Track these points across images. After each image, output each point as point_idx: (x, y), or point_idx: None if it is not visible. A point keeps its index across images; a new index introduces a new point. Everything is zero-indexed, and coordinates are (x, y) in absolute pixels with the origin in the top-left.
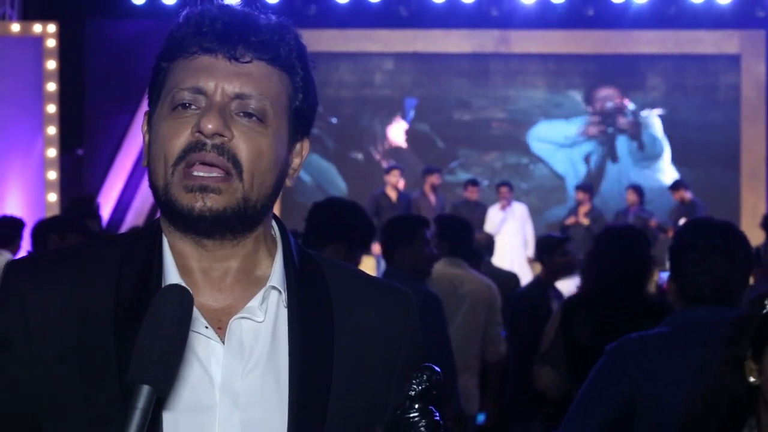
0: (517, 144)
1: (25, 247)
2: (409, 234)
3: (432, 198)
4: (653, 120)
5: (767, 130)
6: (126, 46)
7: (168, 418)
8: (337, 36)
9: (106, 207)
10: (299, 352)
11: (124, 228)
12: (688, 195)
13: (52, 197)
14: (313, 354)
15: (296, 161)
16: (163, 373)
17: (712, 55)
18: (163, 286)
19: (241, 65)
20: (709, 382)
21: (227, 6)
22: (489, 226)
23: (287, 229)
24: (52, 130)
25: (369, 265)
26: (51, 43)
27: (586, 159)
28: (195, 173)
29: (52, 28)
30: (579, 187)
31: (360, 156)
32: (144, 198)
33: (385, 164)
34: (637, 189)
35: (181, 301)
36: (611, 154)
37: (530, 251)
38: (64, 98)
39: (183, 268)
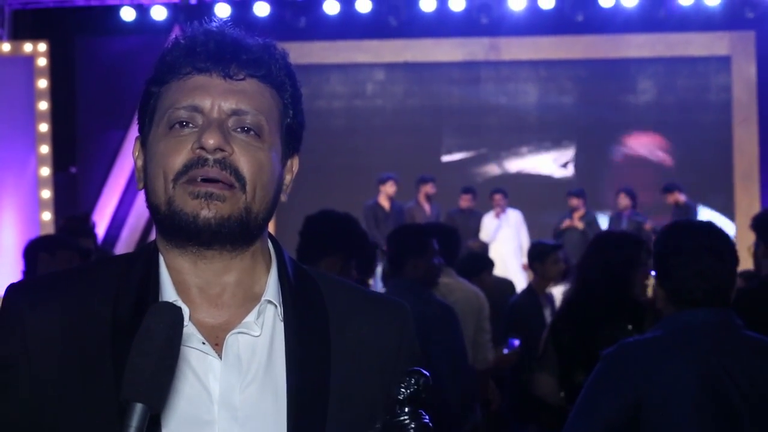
0: (510, 151)
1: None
2: (421, 245)
3: (426, 207)
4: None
5: (759, 130)
6: (117, 63)
7: None
8: (327, 48)
9: (102, 224)
10: (296, 365)
11: (120, 244)
12: (682, 197)
13: (47, 216)
14: (310, 367)
15: (288, 177)
16: (156, 390)
17: (702, 57)
18: None
19: (235, 83)
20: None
21: (215, 28)
22: (484, 234)
23: (282, 246)
24: (45, 149)
25: None
26: (42, 62)
27: (579, 164)
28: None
29: (42, 47)
30: (572, 193)
31: (353, 167)
32: (139, 214)
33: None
34: (630, 193)
35: (172, 318)
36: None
37: (525, 258)
38: (56, 116)
39: (180, 286)
